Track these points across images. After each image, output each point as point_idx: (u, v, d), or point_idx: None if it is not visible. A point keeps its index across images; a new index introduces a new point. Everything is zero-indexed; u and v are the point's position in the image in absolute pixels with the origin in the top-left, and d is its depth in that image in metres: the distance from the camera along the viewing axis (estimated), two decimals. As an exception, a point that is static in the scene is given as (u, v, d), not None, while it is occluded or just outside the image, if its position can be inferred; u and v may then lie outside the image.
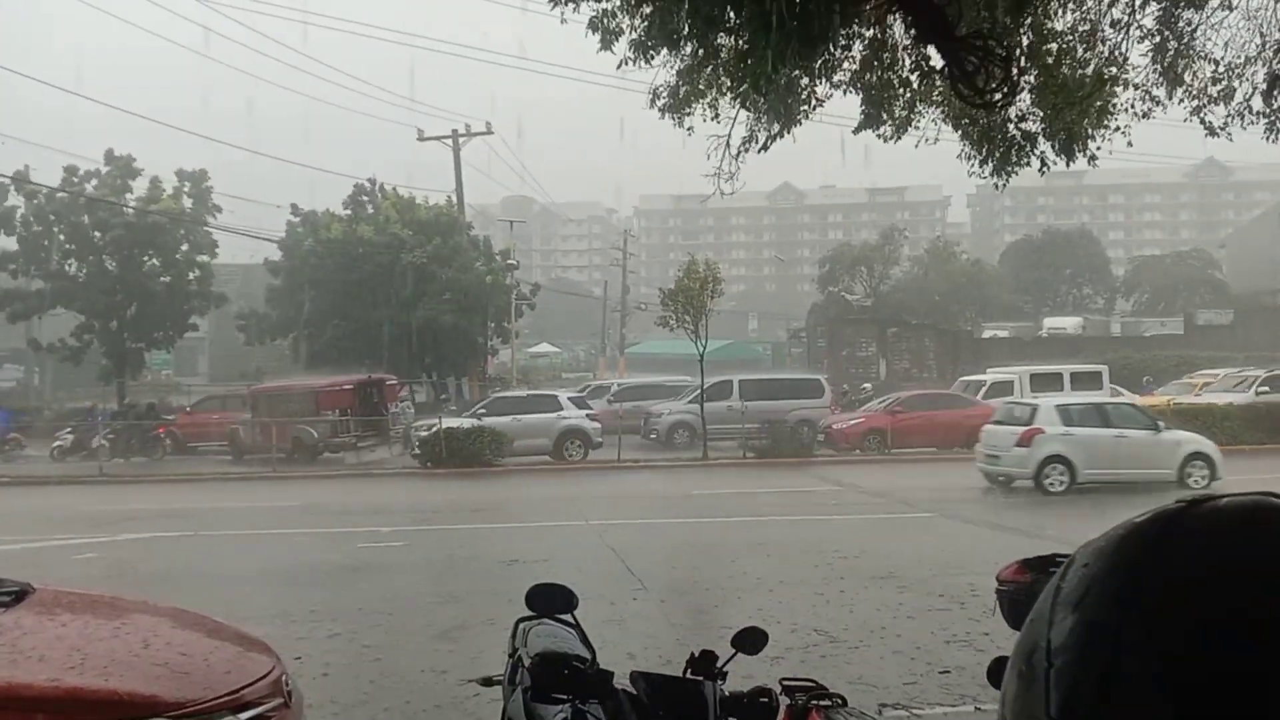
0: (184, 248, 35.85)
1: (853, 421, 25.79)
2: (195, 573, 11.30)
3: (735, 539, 13.46)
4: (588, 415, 26.09)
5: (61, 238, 34.59)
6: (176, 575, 11.06)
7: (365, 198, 39.81)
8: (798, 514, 15.72)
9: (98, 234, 34.36)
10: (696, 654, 2.95)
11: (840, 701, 2.94)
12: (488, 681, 3.98)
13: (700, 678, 2.86)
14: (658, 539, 13.63)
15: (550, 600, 3.16)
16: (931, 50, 6.47)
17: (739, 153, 7.34)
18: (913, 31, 6.44)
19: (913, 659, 7.25)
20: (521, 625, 3.80)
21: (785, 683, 3.00)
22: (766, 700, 2.82)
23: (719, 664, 2.93)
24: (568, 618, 3.35)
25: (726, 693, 2.85)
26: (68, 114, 35.96)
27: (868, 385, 37.32)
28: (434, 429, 24.06)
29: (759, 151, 7.44)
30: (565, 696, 2.81)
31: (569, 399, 26.91)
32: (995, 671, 2.67)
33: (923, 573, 10.45)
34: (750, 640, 3.04)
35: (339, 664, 7.34)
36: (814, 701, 2.92)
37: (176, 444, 28.80)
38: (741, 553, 12.18)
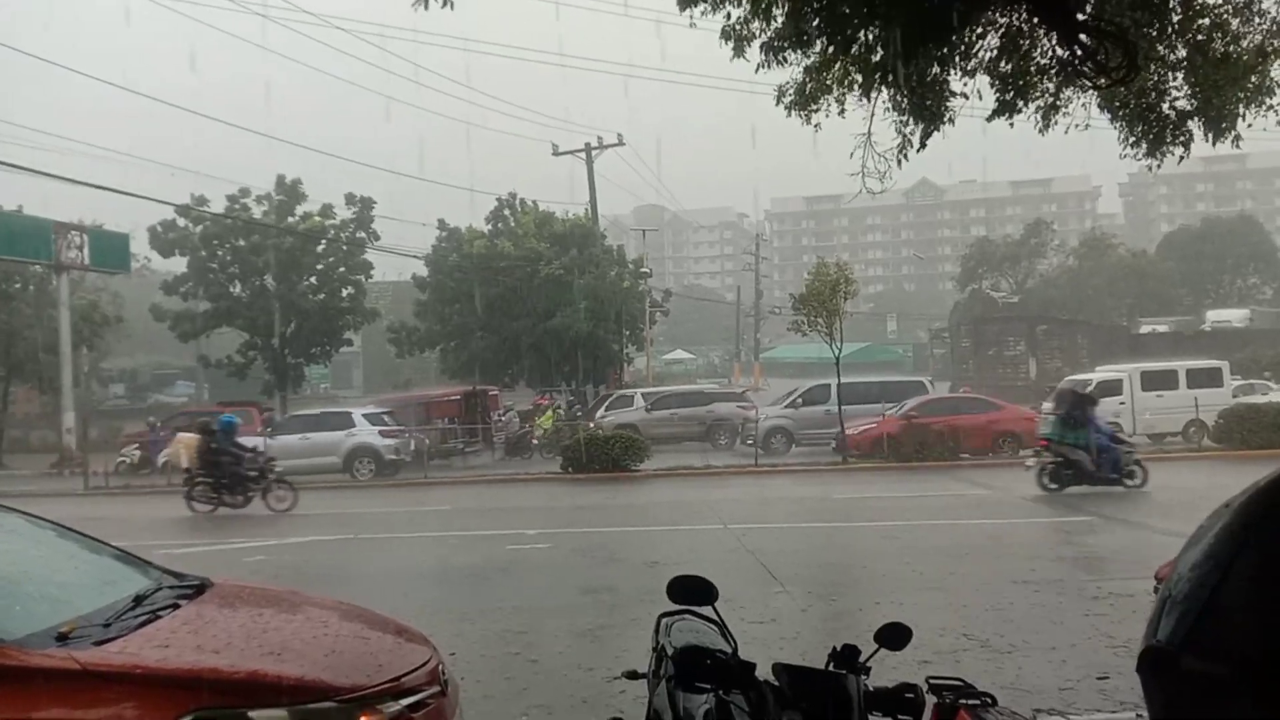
0: (341, 269, 37.75)
1: (864, 427, 24.78)
2: (355, 573, 11.88)
3: (878, 543, 13.22)
4: (381, 432, 25.87)
5: (229, 259, 36.92)
6: (338, 575, 11.64)
7: (507, 212, 41.03)
8: (944, 518, 15.30)
9: (257, 256, 36.53)
10: (839, 648, 2.93)
11: (990, 701, 2.87)
12: (633, 675, 4.06)
13: (844, 671, 2.84)
14: (798, 542, 13.53)
15: (690, 592, 3.20)
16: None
17: (899, 160, 7.24)
18: (1035, 19, 6.29)
19: (1069, 664, 6.98)
20: (664, 620, 3.87)
21: (932, 680, 2.95)
22: (912, 696, 2.77)
23: (862, 659, 2.91)
24: (709, 612, 3.39)
25: (871, 688, 2.83)
26: (217, 141, 38.45)
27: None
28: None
29: (916, 151, 7.28)
30: (709, 686, 2.85)
31: (363, 416, 26.58)
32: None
33: (1079, 576, 10.04)
34: (894, 636, 2.99)
35: (491, 658, 7.59)
36: (962, 700, 2.87)
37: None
38: (885, 556, 11.96)
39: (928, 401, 25.64)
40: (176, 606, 4.20)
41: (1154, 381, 26.30)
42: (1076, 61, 5.88)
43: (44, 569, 4.49)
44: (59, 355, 33.04)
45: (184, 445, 21.20)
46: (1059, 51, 6.57)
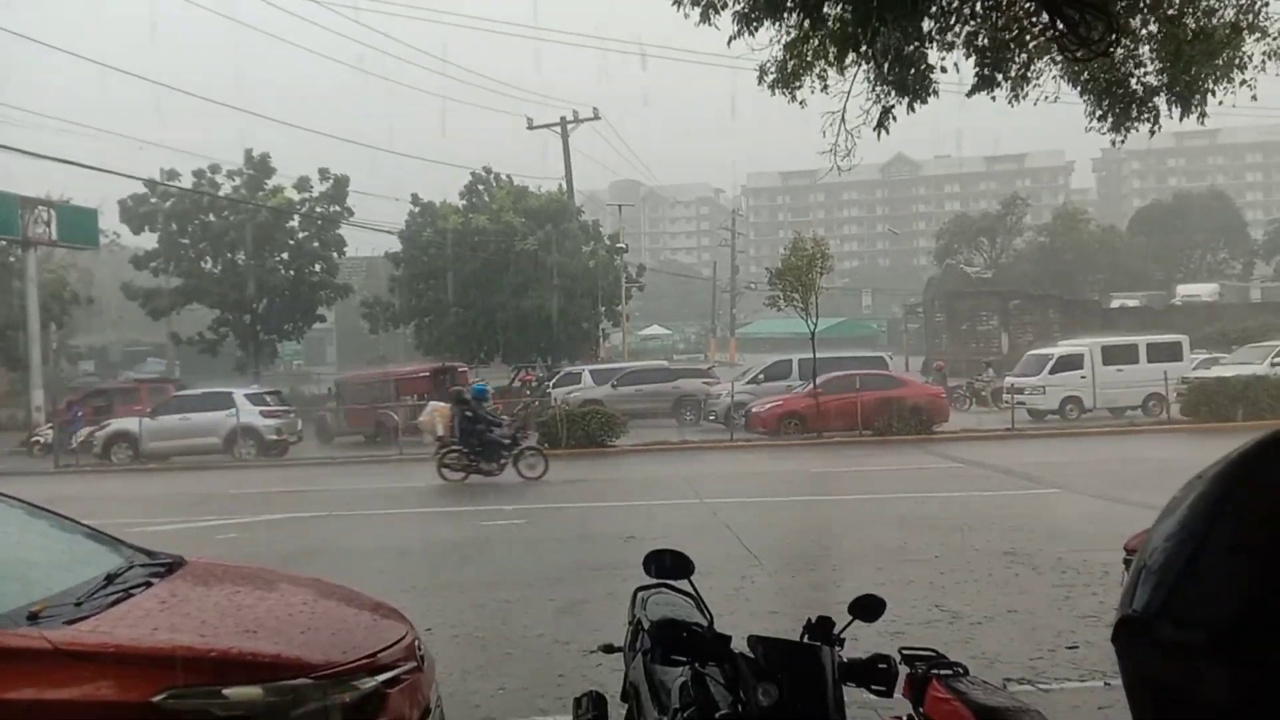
0: (314, 245, 37.39)
1: (770, 405, 24.91)
2: (332, 550, 11.85)
3: (852, 516, 13.34)
4: (263, 412, 25.66)
5: (199, 235, 36.48)
6: (314, 552, 11.60)
7: (481, 187, 40.71)
8: (917, 491, 15.45)
9: (227, 233, 36.13)
10: (813, 620, 2.96)
11: (962, 671, 2.90)
12: (609, 649, 4.08)
13: (818, 643, 2.87)
14: (773, 516, 13.62)
15: (667, 566, 3.21)
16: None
17: (877, 134, 7.18)
18: None
19: (1039, 634, 7.09)
20: (641, 594, 3.88)
21: (905, 651, 2.98)
22: (885, 667, 2.81)
23: (836, 630, 2.93)
24: (685, 585, 3.41)
25: (844, 659, 2.86)
26: (187, 115, 37.86)
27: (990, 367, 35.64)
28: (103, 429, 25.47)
29: (877, 128, 7.24)
30: (685, 659, 2.87)
31: (245, 396, 26.20)
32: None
33: (1049, 548, 10.17)
34: (867, 608, 3.02)
35: (467, 634, 7.61)
36: (934, 670, 2.90)
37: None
38: (859, 529, 12.08)
39: (831, 379, 25.39)
40: (149, 585, 4.16)
41: (1114, 356, 26.62)
42: (1058, 33, 5.89)
43: (14, 548, 4.44)
44: (27, 332, 32.58)
45: (438, 413, 20.76)
46: (1037, 23, 6.57)
